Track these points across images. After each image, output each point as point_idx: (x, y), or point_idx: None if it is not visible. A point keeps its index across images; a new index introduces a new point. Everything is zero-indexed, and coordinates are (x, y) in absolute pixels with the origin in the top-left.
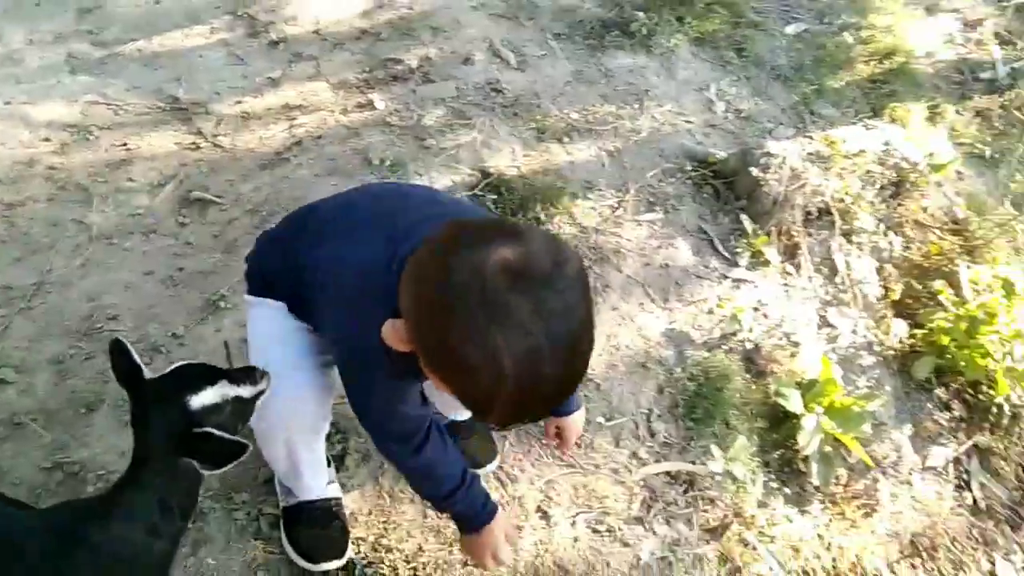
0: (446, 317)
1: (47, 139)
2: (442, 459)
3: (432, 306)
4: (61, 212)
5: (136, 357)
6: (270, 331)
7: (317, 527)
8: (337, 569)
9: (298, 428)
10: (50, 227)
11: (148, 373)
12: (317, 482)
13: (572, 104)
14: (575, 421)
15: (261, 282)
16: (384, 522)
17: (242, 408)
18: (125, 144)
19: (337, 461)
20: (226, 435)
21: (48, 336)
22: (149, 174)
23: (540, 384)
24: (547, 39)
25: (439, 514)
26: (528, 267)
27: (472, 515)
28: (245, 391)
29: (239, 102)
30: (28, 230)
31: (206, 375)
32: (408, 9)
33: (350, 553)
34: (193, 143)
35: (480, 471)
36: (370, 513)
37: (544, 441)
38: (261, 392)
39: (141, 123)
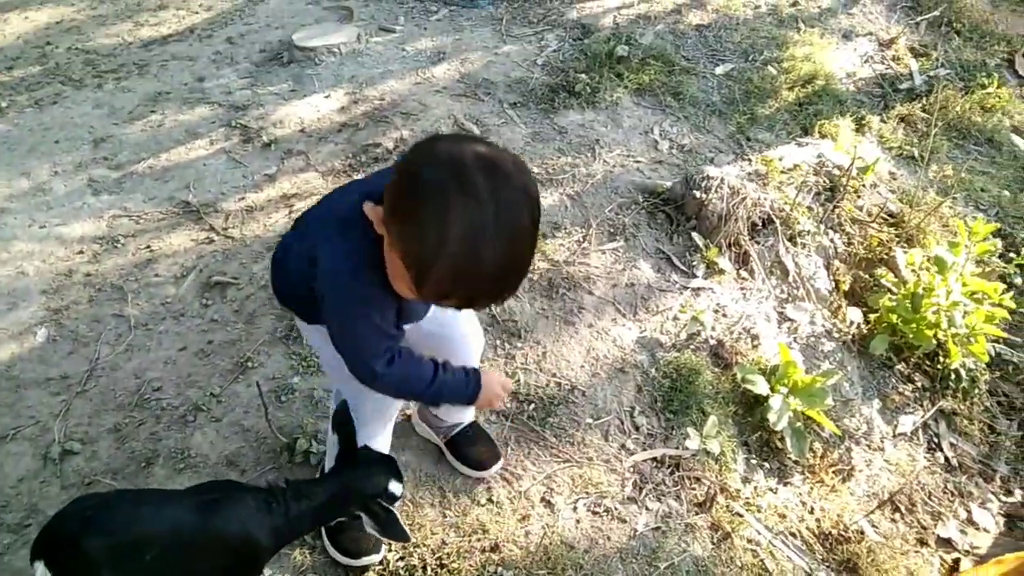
0: (418, 181)
1: (81, 252)
2: (415, 366)
3: (410, 174)
4: (101, 309)
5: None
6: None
7: (355, 528)
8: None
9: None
10: (93, 323)
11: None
12: None
13: (533, 160)
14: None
15: (293, 299)
16: (409, 524)
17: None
18: (149, 247)
19: None
20: (400, 521)
21: (104, 411)
22: (173, 268)
23: (477, 261)
24: (504, 109)
25: (435, 408)
26: (497, 161)
27: (462, 387)
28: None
29: (242, 198)
30: (75, 328)
31: (398, 475)
32: (380, 100)
33: (385, 550)
34: (207, 237)
35: (485, 473)
36: None
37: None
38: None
39: (160, 227)
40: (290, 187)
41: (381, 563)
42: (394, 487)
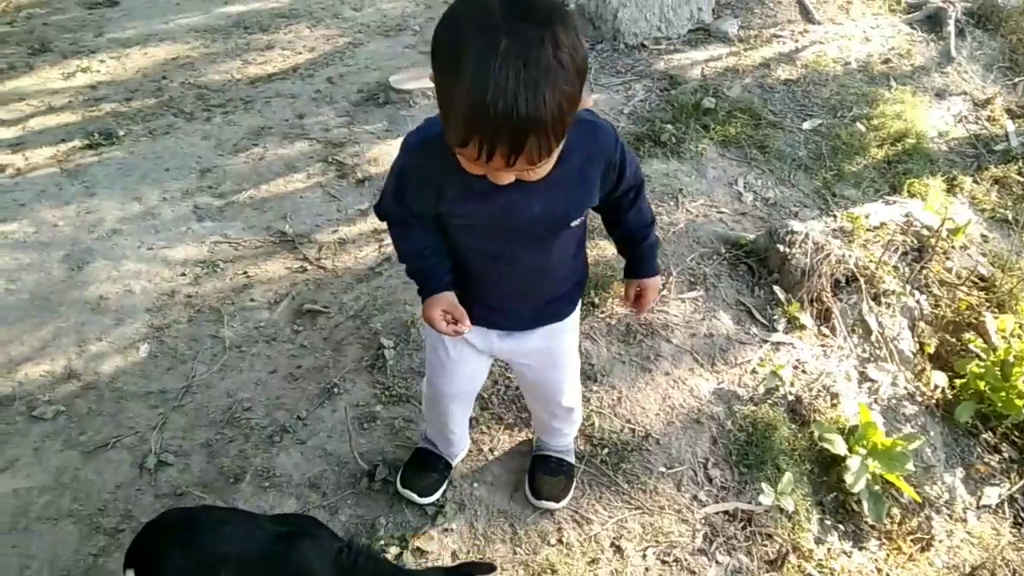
0: (446, 23)
1: (183, 274)
2: (403, 242)
3: (440, 21)
4: (199, 330)
5: None
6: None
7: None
8: None
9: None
10: (192, 342)
11: None
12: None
13: None
14: (654, 284)
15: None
16: (479, 558)
17: None
18: (246, 272)
19: (437, 509)
20: None
21: (198, 426)
22: (267, 294)
23: (484, 92)
24: None
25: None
26: (533, 5)
27: (418, 286)
28: None
29: (335, 231)
30: (175, 346)
31: None
32: None
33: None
34: (301, 266)
35: (552, 505)
36: (468, 552)
37: (622, 304)
38: None
39: (257, 255)
40: (381, 223)
41: None
42: None
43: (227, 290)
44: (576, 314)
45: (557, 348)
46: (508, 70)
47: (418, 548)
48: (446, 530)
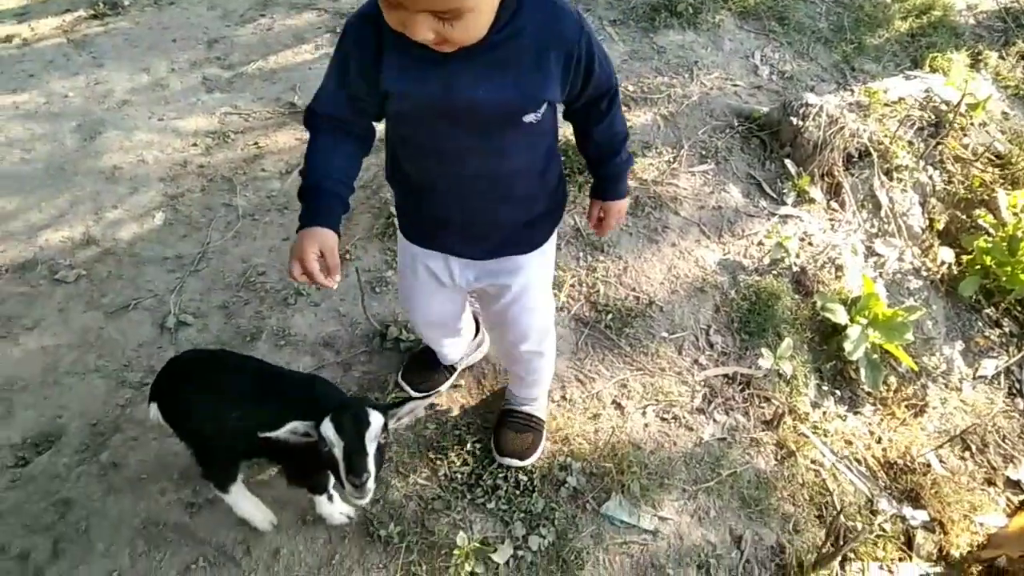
0: None
1: (195, 144)
2: (320, 155)
3: None
4: (213, 199)
5: None
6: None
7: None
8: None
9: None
10: (205, 210)
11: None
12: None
13: (628, 78)
14: (620, 207)
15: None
16: (486, 410)
17: None
18: (256, 143)
19: None
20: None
21: (214, 290)
22: (278, 164)
23: None
24: (604, 26)
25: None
26: None
27: (301, 214)
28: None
29: None
30: (189, 214)
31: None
32: None
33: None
34: None
35: (511, 461)
36: (475, 406)
37: (586, 223)
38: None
39: (267, 126)
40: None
41: (459, 444)
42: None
43: (238, 160)
44: (548, 247)
45: (524, 283)
46: None
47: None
48: (455, 386)
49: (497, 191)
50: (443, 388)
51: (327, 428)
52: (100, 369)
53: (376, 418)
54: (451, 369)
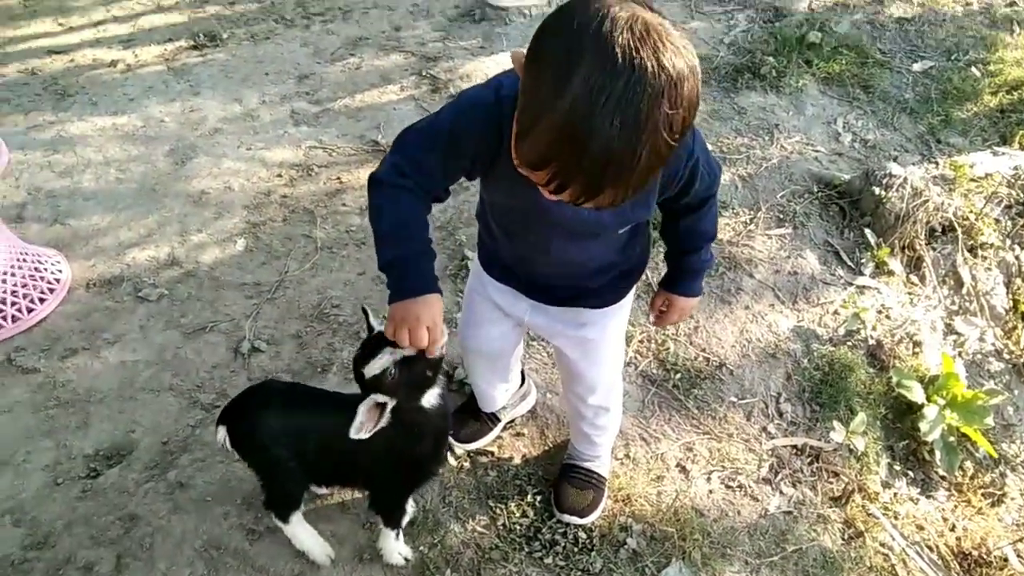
0: (562, 22)
1: (280, 175)
2: (390, 204)
3: (561, 14)
4: (293, 229)
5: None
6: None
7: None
8: None
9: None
10: (286, 240)
11: None
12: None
13: (708, 137)
14: (684, 305)
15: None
16: (547, 463)
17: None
18: (339, 178)
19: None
20: None
21: (289, 318)
22: (359, 200)
23: (586, 128)
24: None
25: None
26: (655, 29)
27: (389, 281)
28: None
29: None
30: (269, 242)
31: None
32: None
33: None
34: None
35: (573, 519)
36: (537, 457)
37: (646, 311)
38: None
39: (350, 162)
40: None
41: (520, 494)
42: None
43: (320, 194)
44: (623, 305)
45: (594, 338)
46: (615, 115)
47: (490, 451)
48: (518, 435)
49: (576, 267)
50: (483, 441)
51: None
52: (174, 388)
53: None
54: (494, 420)
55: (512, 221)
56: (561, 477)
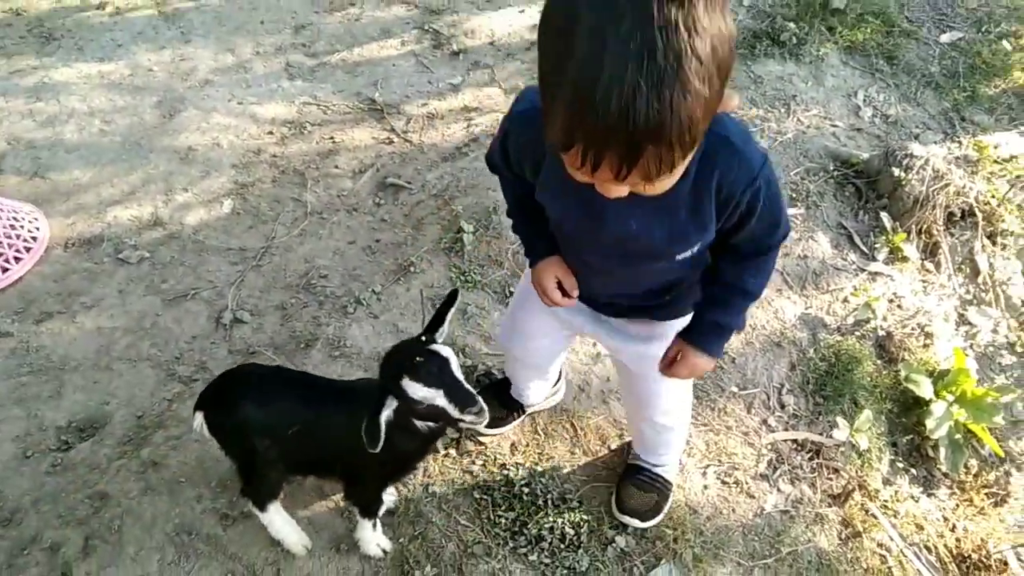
0: None
1: (271, 132)
2: (520, 193)
3: None
4: (282, 191)
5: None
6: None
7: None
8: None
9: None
10: (274, 203)
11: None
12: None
13: None
14: (696, 362)
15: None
16: (539, 452)
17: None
18: (332, 138)
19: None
20: None
21: (274, 288)
22: (352, 163)
23: (602, 73)
24: None
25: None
26: None
27: (526, 249)
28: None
29: (425, 104)
30: (257, 205)
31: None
32: None
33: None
34: (387, 138)
35: (636, 523)
36: (527, 445)
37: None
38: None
39: (345, 121)
40: (472, 100)
41: (507, 485)
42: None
43: (312, 154)
44: (687, 320)
45: (657, 354)
46: (627, 58)
47: (478, 436)
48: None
49: (635, 289)
50: (505, 429)
51: (415, 388)
52: (152, 358)
53: (447, 350)
54: (520, 409)
55: (566, 239)
56: (625, 477)
